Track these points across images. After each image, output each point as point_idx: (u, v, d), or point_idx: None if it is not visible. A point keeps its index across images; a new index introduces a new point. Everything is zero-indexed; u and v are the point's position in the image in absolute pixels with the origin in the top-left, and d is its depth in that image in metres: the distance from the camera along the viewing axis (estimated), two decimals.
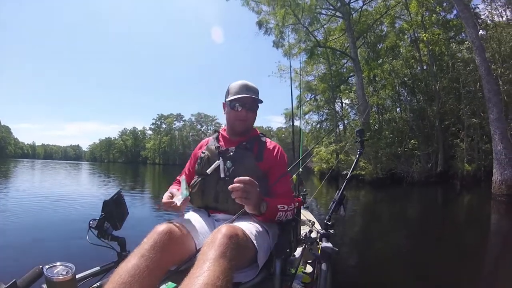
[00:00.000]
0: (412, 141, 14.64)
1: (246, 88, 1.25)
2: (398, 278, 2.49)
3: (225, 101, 1.30)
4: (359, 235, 4.28)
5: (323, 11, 18.35)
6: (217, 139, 1.37)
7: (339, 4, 17.01)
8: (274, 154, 1.30)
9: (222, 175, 1.21)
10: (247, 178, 0.96)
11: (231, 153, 1.25)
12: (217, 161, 1.22)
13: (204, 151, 1.33)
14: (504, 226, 5.26)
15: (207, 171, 1.20)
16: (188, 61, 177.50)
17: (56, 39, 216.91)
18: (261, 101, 1.29)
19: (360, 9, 17.14)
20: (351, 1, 17.15)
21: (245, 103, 1.25)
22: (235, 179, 0.96)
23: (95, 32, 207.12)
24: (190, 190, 1.20)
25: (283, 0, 15.85)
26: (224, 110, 1.34)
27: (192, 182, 1.29)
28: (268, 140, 1.36)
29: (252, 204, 0.98)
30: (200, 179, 1.26)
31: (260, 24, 18.28)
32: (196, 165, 1.32)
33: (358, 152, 1.50)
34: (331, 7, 17.77)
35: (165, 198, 1.17)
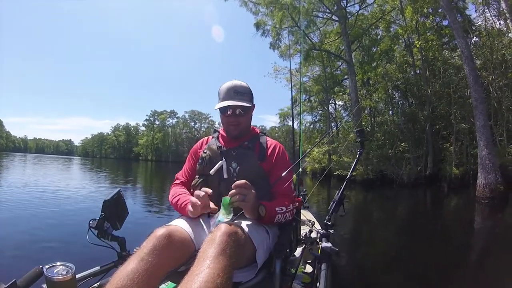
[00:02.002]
0: (403, 144, 14.94)
1: (233, 92, 1.21)
2: (395, 277, 2.56)
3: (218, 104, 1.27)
4: (356, 235, 4.37)
5: (320, 14, 18.49)
6: (218, 138, 1.34)
7: (335, 8, 17.16)
8: (276, 153, 1.29)
9: (225, 176, 1.19)
10: (242, 181, 0.99)
11: (234, 154, 1.23)
12: (220, 161, 1.20)
13: (205, 151, 1.29)
14: (487, 228, 5.53)
15: (210, 172, 1.18)
16: (183, 58, 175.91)
17: (48, 33, 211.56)
18: (247, 107, 1.23)
19: (356, 13, 17.33)
20: (348, 5, 17.33)
21: (235, 108, 1.23)
22: (233, 185, 0.99)
23: (89, 27, 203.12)
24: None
25: (281, 3, 15.93)
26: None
27: (194, 182, 1.27)
28: (268, 139, 1.35)
29: (249, 206, 1.00)
30: (201, 179, 1.24)
31: (257, 26, 18.34)
32: (197, 165, 1.29)
33: (359, 152, 1.50)
34: (327, 10, 17.90)
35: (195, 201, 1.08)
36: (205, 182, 1.22)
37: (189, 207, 1.10)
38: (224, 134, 1.34)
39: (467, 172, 12.02)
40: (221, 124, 1.34)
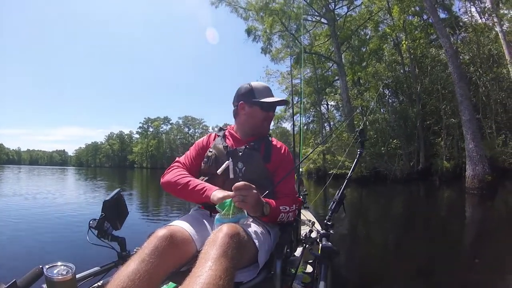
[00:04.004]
0: (395, 140, 15.16)
1: (271, 92, 1.34)
2: (395, 274, 2.58)
3: (253, 101, 1.27)
4: (354, 233, 4.39)
5: (309, 17, 18.76)
6: (224, 137, 1.33)
7: (324, 10, 17.44)
8: (281, 154, 1.30)
9: (231, 176, 1.19)
10: (241, 183, 0.99)
11: (240, 154, 1.23)
12: (227, 161, 1.20)
13: (211, 150, 1.29)
14: (477, 216, 5.78)
15: (217, 171, 1.18)
16: (174, 64, 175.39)
17: (40, 42, 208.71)
18: (287, 104, 1.50)
19: (344, 15, 17.63)
20: (336, 8, 17.63)
21: (275, 106, 1.34)
22: (233, 187, 0.99)
23: (81, 35, 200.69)
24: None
25: (270, 9, 16.16)
26: (243, 110, 1.30)
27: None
28: (274, 140, 1.36)
29: (250, 207, 1.00)
30: (207, 178, 1.23)
31: (248, 31, 18.54)
32: (202, 163, 1.29)
33: (359, 152, 1.52)
34: (316, 13, 18.18)
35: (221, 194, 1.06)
36: (210, 181, 1.20)
37: (217, 193, 1.06)
38: (234, 133, 1.34)
39: (459, 165, 12.25)
40: (245, 122, 1.32)
